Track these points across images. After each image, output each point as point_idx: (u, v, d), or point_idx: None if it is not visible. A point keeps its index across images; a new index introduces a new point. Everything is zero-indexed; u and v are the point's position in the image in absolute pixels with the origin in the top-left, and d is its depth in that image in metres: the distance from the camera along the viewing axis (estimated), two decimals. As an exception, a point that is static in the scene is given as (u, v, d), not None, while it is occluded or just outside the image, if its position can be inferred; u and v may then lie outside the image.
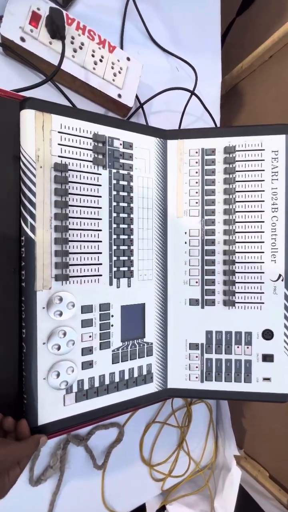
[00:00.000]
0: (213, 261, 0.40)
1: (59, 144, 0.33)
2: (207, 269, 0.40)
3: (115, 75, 0.44)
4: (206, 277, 0.40)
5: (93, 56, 0.42)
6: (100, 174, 0.35)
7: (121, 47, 0.49)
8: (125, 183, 0.37)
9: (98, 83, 0.43)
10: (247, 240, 0.39)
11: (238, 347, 0.40)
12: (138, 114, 0.51)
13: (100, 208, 0.35)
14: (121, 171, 0.37)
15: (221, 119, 0.62)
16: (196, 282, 0.40)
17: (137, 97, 0.50)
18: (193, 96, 0.52)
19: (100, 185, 0.35)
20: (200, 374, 0.40)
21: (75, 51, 0.41)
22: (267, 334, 0.39)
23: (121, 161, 0.37)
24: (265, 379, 0.39)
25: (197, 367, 0.40)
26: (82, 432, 0.46)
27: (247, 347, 0.39)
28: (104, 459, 0.47)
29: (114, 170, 0.36)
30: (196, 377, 0.40)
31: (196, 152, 0.40)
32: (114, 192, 0.36)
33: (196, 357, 0.40)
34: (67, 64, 0.40)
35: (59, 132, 0.33)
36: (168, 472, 0.53)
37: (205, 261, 0.40)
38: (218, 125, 0.59)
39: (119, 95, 0.45)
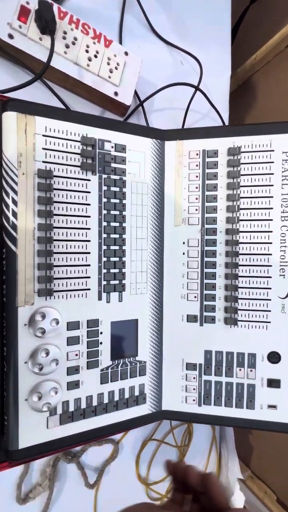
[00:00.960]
0: (214, 275, 0.36)
1: (43, 149, 0.30)
2: (207, 283, 0.36)
3: (111, 71, 0.41)
4: (205, 292, 0.36)
5: (87, 51, 0.39)
6: (89, 180, 0.33)
7: (120, 42, 0.46)
8: (116, 189, 0.34)
9: (93, 80, 0.40)
10: (252, 252, 0.35)
11: (240, 369, 0.36)
12: (138, 113, 0.48)
13: (89, 217, 0.33)
14: (113, 176, 0.34)
15: (231, 116, 0.57)
16: (195, 297, 0.37)
17: (136, 94, 0.47)
18: (199, 92, 0.48)
19: (88, 192, 0.33)
20: (197, 397, 0.37)
21: (67, 46, 0.38)
22: (274, 357, 0.35)
23: (113, 165, 0.34)
24: (270, 406, 0.35)
25: (194, 389, 0.37)
26: (74, 448, 0.44)
27: (251, 370, 0.36)
28: (97, 477, 0.45)
29: (104, 176, 0.33)
30: (193, 400, 0.37)
31: (197, 154, 0.36)
32: (104, 200, 0.34)
33: (194, 378, 0.37)
34: (59, 61, 0.38)
35: (43, 135, 0.30)
36: (165, 492, 0.50)
37: (205, 274, 0.36)
38: (227, 123, 0.54)
39: (116, 93, 0.42)
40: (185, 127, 0.50)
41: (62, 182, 0.31)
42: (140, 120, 0.48)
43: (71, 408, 0.32)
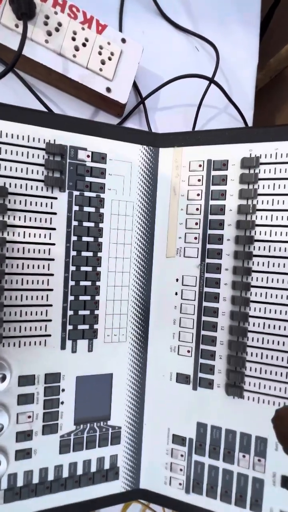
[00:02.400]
0: (215, 325, 0.27)
1: (-3, 159, 0.24)
2: (205, 335, 0.28)
3: (103, 62, 0.34)
4: (202, 347, 0.28)
5: (73, 39, 0.32)
6: (55, 199, 0.26)
7: (120, 28, 0.38)
8: (91, 209, 0.27)
9: (80, 74, 0.33)
10: (269, 300, 0.26)
11: (244, 456, 0.27)
12: (139, 112, 0.40)
13: (53, 244, 0.26)
14: (87, 194, 0.27)
15: (258, 117, 0.47)
16: (188, 351, 0.28)
17: (137, 90, 0.39)
18: (216, 86, 0.39)
19: (54, 214, 0.26)
20: (185, 481, 0.28)
21: (49, 34, 0.32)
22: (293, 447, 0.25)
23: (88, 179, 0.27)
24: (284, 513, 0.26)
25: (181, 470, 0.29)
26: None
27: (259, 460, 0.26)
28: None
29: (76, 192, 0.26)
30: (180, 484, 0.29)
31: (200, 166, 0.28)
32: (74, 223, 0.26)
33: (181, 456, 0.29)
34: (39, 51, 0.32)
35: (-2, 142, 0.24)
36: None
37: (203, 323, 0.28)
38: (250, 124, 0.44)
39: (108, 89, 0.34)
40: (196, 129, 0.41)
41: (20, 201, 0.25)
42: (142, 121, 0.40)
43: (20, 483, 0.26)
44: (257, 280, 0.26)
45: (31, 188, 0.25)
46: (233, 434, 0.27)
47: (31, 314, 0.26)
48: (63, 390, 0.27)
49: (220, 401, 0.27)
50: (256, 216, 0.26)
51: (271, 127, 0.26)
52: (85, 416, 0.28)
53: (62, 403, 0.27)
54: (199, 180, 0.28)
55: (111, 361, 0.28)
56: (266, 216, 0.26)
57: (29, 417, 0.26)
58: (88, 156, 0.27)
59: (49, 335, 0.26)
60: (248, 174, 0.26)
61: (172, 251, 0.28)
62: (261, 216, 0.26)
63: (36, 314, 0.26)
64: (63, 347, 0.27)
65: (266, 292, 0.26)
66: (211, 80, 0.38)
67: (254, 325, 0.26)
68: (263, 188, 0.26)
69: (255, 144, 0.26)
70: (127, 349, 0.29)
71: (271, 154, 0.26)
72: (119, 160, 0.28)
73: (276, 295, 0.26)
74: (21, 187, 0.25)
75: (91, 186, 0.27)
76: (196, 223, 0.28)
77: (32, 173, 0.25)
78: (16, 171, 0.25)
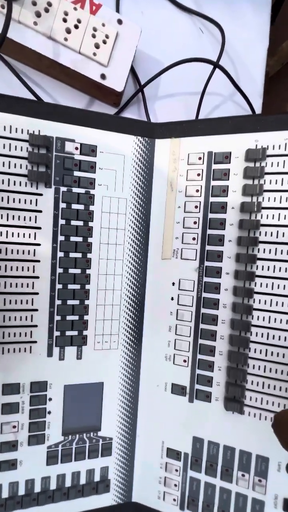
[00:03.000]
0: (213, 334, 0.25)
1: (-24, 152, 0.22)
2: (203, 344, 0.25)
3: (97, 46, 0.31)
4: (200, 357, 0.26)
5: (65, 21, 0.30)
6: (41, 195, 0.24)
7: (117, 8, 0.35)
8: (80, 207, 0.25)
9: (72, 59, 0.31)
10: (274, 308, 0.23)
11: (243, 475, 0.25)
12: (138, 101, 0.37)
13: (39, 245, 0.24)
14: (75, 190, 0.25)
15: (268, 106, 0.44)
16: (184, 361, 0.26)
17: (136, 77, 0.36)
18: (221, 71, 0.36)
19: (39, 211, 0.24)
20: (180, 497, 0.27)
21: (38, 15, 0.29)
22: (297, 469, 0.23)
23: (76, 174, 0.25)
24: (286, 538, 0.24)
25: (176, 485, 0.27)
26: None
27: (259, 480, 0.24)
28: None
29: (63, 188, 0.24)
30: (174, 500, 0.27)
31: (199, 158, 0.25)
32: (62, 221, 0.24)
33: (176, 470, 0.27)
34: (28, 35, 0.29)
35: (-23, 133, 0.22)
36: None
37: (201, 331, 0.25)
38: (258, 112, 0.41)
39: (103, 76, 0.32)
40: (199, 118, 0.38)
41: (1, 198, 0.23)
42: (141, 111, 0.38)
43: (5, 494, 0.25)
44: (261, 286, 0.23)
45: (14, 184, 0.23)
46: (231, 451, 0.25)
47: (15, 320, 0.24)
48: (50, 399, 0.25)
49: (218, 415, 0.25)
50: (262, 215, 0.23)
51: (281, 113, 0.23)
52: (74, 427, 0.26)
53: (49, 412, 0.25)
54: (198, 175, 0.25)
55: (102, 370, 0.27)
56: (273, 215, 0.23)
57: (14, 427, 0.25)
58: (76, 148, 0.24)
59: (35, 342, 0.25)
60: (253, 167, 0.23)
61: (168, 252, 0.26)
62: (267, 215, 0.23)
63: (21, 319, 0.24)
64: (49, 354, 0.25)
65: (271, 300, 0.23)
66: (216, 65, 0.35)
67: (257, 335, 0.24)
68: (270, 183, 0.23)
69: (262, 134, 0.23)
70: (119, 357, 0.27)
71: (279, 145, 0.23)
72: (111, 152, 0.25)
73: (282, 302, 0.23)
74: (2, 183, 0.23)
75: (80, 181, 0.25)
76: (195, 222, 0.25)
77: (15, 167, 0.23)
78: (-3, 165, 0.23)
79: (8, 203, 0.23)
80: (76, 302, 0.25)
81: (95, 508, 0.27)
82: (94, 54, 0.31)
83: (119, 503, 0.28)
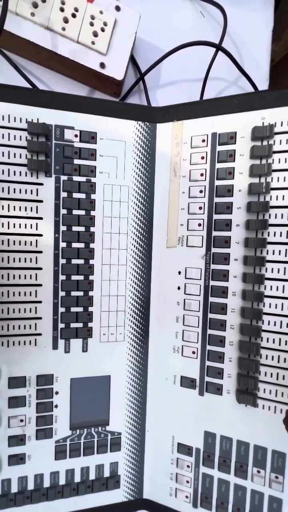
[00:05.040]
0: (223, 324, 0.24)
1: (-24, 143, 0.22)
2: (212, 334, 0.24)
3: (96, 35, 0.30)
4: (209, 348, 0.24)
5: (62, 10, 0.29)
6: (41, 185, 0.23)
7: (115, -5, 0.35)
8: (81, 196, 0.24)
9: (71, 49, 0.30)
10: (286, 295, 0.22)
11: (258, 471, 0.23)
12: (139, 90, 0.37)
13: (41, 235, 0.24)
14: (76, 178, 0.24)
15: (274, 88, 0.42)
16: (193, 352, 0.25)
17: (136, 65, 0.35)
18: (224, 54, 0.35)
19: (40, 201, 0.23)
20: (192, 494, 0.26)
21: (35, 6, 0.29)
22: None
23: (76, 162, 0.24)
24: (306, 539, 0.22)
25: (188, 481, 0.26)
26: None
27: (276, 477, 0.23)
28: None
29: (64, 177, 0.24)
30: (187, 497, 0.26)
31: (203, 141, 0.24)
32: (63, 211, 0.24)
33: (188, 466, 0.26)
34: (25, 26, 0.29)
35: (-24, 124, 0.22)
36: None
37: (210, 321, 0.24)
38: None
39: (102, 65, 0.31)
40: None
41: (2, 189, 0.23)
42: (142, 100, 0.37)
43: (14, 489, 0.24)
44: (272, 272, 0.22)
45: (13, 174, 0.23)
46: (245, 446, 0.24)
47: (19, 312, 0.24)
48: (56, 392, 0.25)
49: (230, 409, 0.24)
50: (271, 196, 0.22)
51: (285, 90, 0.21)
52: (81, 421, 0.26)
53: (56, 406, 0.25)
54: (202, 158, 0.24)
55: (109, 362, 0.26)
56: (283, 196, 0.22)
57: (21, 420, 0.24)
58: (75, 135, 0.24)
59: (40, 334, 0.24)
60: (261, 146, 0.22)
61: (173, 240, 0.25)
62: (277, 196, 0.22)
63: (25, 312, 0.24)
64: (55, 346, 0.25)
65: (284, 286, 0.22)
66: (219, 47, 0.34)
67: (269, 324, 0.22)
68: (279, 162, 0.22)
69: (269, 111, 0.22)
70: (126, 349, 0.26)
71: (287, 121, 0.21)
72: (111, 139, 0.25)
73: (296, 288, 0.22)
74: (2, 173, 0.23)
75: (80, 169, 0.24)
76: (200, 208, 0.24)
77: (14, 157, 0.23)
78: (-3, 155, 0.22)
79: (8, 193, 0.23)
80: (80, 293, 0.25)
81: (105, 504, 0.27)
82: (93, 43, 0.31)
83: (130, 500, 0.27)
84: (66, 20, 0.30)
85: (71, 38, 0.30)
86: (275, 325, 0.22)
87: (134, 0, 0.36)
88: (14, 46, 0.31)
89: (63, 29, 0.30)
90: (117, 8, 0.31)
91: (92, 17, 0.30)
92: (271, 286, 0.22)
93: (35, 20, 0.29)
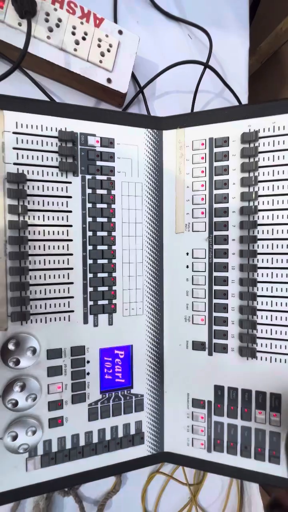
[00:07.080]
0: (225, 293, 0.29)
1: (14, 148, 0.26)
2: (217, 303, 0.29)
3: (103, 54, 0.35)
4: (215, 314, 0.30)
5: (73, 34, 0.34)
6: (70, 183, 0.28)
7: (115, 19, 0.40)
8: (103, 192, 0.29)
9: (81, 67, 0.35)
10: (275, 265, 0.27)
11: (260, 412, 0.29)
12: (139, 101, 0.42)
13: (71, 226, 0.28)
14: (99, 177, 0.29)
15: (252, 98, 0.48)
16: (202, 319, 0.30)
17: (135, 79, 0.41)
18: (211, 71, 0.41)
19: (69, 197, 0.28)
20: (206, 441, 0.30)
21: (50, 30, 0.33)
22: (305, 400, 0.27)
23: (98, 163, 0.28)
24: (301, 462, 0.28)
25: (202, 431, 0.30)
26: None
27: (274, 415, 0.28)
28: (96, 513, 0.40)
29: (88, 176, 0.28)
30: (202, 444, 0.31)
31: (202, 144, 0.29)
32: (89, 205, 0.28)
33: (202, 418, 0.30)
34: (42, 48, 0.33)
35: (14, 132, 0.26)
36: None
37: (214, 292, 0.29)
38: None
39: (109, 80, 0.36)
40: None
41: (38, 187, 0.27)
42: (142, 110, 0.42)
43: (54, 448, 0.28)
44: (262, 248, 0.28)
45: (47, 174, 0.27)
46: (249, 393, 0.29)
47: (54, 292, 0.27)
48: (88, 361, 0.29)
49: (235, 363, 0.29)
50: (259, 187, 0.28)
51: (267, 102, 0.27)
52: (109, 386, 0.30)
53: (88, 373, 0.29)
54: (202, 158, 0.29)
55: (131, 333, 0.30)
56: (268, 187, 0.28)
57: (59, 387, 0.28)
58: (97, 141, 0.28)
59: (72, 311, 0.28)
60: (249, 147, 0.27)
61: (181, 226, 0.30)
62: (263, 187, 0.28)
63: (59, 292, 0.28)
64: (85, 321, 0.29)
65: (272, 258, 0.28)
66: (206, 65, 0.39)
67: (262, 290, 0.28)
68: (264, 160, 0.27)
69: (253, 120, 0.27)
70: (145, 322, 0.31)
71: (269, 128, 0.27)
72: (126, 144, 0.29)
73: (282, 259, 0.27)
74: (38, 174, 0.27)
75: (102, 169, 0.29)
76: (202, 199, 0.29)
77: (48, 160, 0.27)
78: (33, 158, 0.26)
79: (43, 191, 0.27)
80: (105, 274, 0.29)
81: (132, 458, 0.31)
82: (100, 61, 0.35)
83: (153, 453, 0.32)
84: (77, 42, 0.34)
85: (81, 58, 0.35)
86: (267, 290, 0.28)
87: (131, 22, 0.41)
88: (31, 64, 0.35)
89: (75, 50, 0.34)
90: (120, 32, 0.36)
91: (99, 40, 0.35)
92: (262, 259, 0.28)
93: (51, 42, 0.33)
